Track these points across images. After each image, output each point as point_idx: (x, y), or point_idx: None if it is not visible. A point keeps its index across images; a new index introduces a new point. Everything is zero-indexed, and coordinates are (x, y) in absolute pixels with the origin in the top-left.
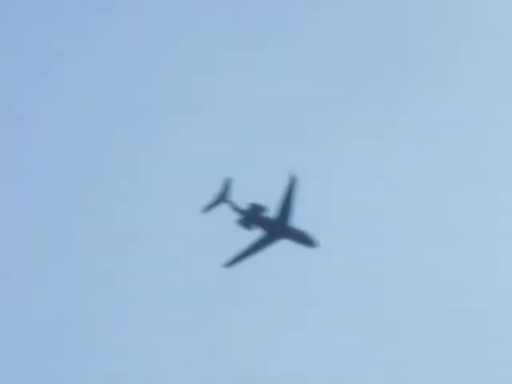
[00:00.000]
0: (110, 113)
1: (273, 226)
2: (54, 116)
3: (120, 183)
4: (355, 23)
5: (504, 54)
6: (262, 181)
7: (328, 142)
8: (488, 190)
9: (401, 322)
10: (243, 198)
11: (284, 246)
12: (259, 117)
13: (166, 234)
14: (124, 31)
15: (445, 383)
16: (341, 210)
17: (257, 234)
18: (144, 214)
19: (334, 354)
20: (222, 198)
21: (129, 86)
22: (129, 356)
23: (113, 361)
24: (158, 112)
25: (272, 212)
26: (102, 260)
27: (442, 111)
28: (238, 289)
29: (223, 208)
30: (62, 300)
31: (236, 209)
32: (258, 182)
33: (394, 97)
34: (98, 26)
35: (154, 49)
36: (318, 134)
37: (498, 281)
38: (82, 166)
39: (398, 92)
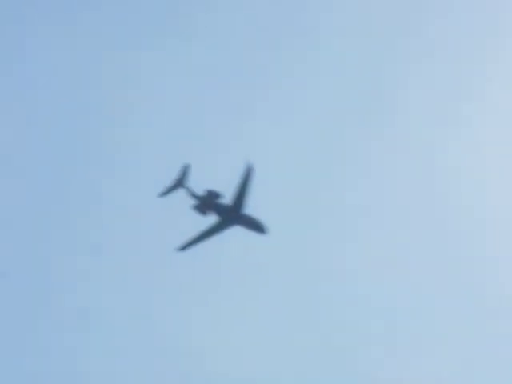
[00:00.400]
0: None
1: (227, 213)
2: None
3: (84, 165)
4: None
5: None
6: (219, 168)
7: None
8: None
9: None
10: (200, 184)
11: (236, 232)
12: (219, 105)
13: (122, 216)
14: None
15: None
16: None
17: (211, 219)
18: (101, 196)
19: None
20: (180, 183)
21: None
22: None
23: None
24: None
25: (227, 199)
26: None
27: None
28: (191, 272)
29: (180, 193)
30: None
31: (193, 194)
32: (216, 169)
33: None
34: None
35: None
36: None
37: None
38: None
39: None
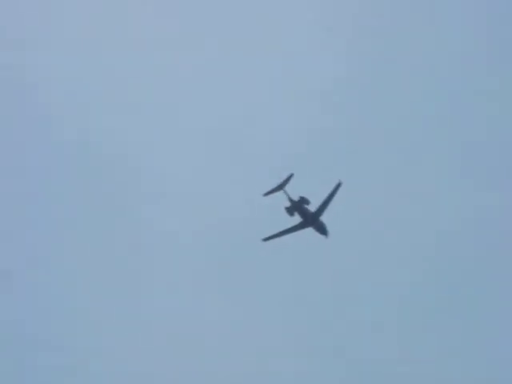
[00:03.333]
0: None
1: (309, 218)
2: None
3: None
4: None
5: None
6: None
7: None
8: None
9: None
10: (297, 191)
11: (308, 232)
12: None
13: (230, 207)
14: None
15: None
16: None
17: (296, 220)
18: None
19: None
20: (281, 187)
21: None
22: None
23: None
24: None
25: (311, 206)
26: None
27: None
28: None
29: (280, 195)
30: None
31: (289, 198)
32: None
33: None
34: None
35: None
36: None
37: None
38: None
39: None
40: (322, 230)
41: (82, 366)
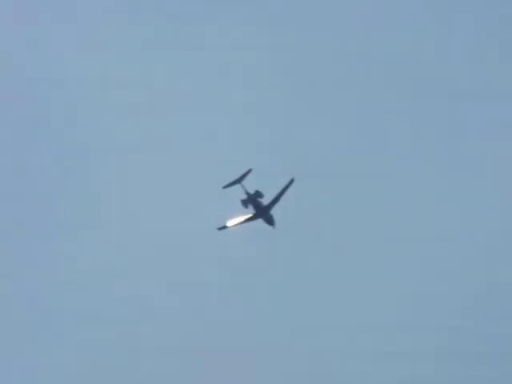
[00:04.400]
0: None
1: (261, 210)
2: None
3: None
4: None
5: None
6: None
7: None
8: None
9: None
10: (254, 185)
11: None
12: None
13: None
14: None
15: None
16: None
17: (249, 211)
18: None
19: None
20: (239, 181)
21: None
22: None
23: None
24: None
25: (264, 199)
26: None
27: None
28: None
29: (237, 188)
30: None
31: (245, 191)
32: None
33: None
34: None
35: None
36: None
37: None
38: None
39: None
40: (270, 221)
41: (82, 366)
